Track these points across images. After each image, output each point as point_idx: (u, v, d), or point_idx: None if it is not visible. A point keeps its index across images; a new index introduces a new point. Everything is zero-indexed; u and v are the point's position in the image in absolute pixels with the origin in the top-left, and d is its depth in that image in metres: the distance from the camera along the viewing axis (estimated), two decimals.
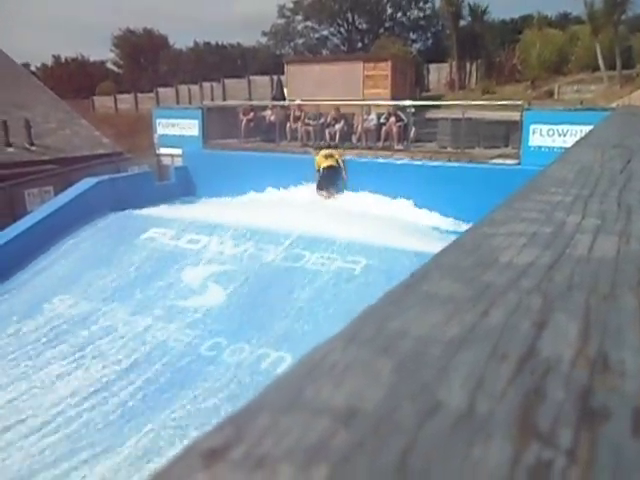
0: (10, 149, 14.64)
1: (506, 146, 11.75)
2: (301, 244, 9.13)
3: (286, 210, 10.53)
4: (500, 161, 10.96)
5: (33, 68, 40.29)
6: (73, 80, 41.70)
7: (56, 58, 46.88)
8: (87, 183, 11.96)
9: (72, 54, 48.04)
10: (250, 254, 9.34)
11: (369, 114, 13.18)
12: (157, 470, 0.29)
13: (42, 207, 11.73)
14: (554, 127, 10.32)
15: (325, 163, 11.83)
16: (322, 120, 13.41)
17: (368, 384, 0.35)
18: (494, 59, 29.04)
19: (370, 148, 12.66)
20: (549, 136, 10.37)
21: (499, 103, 13.57)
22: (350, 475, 0.29)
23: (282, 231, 9.46)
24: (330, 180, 11.84)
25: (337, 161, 11.91)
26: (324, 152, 12.04)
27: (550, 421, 0.31)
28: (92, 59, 48.39)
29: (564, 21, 33.09)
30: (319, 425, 0.32)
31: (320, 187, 11.93)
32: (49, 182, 13.31)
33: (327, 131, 13.20)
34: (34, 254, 10.40)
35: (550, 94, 24.00)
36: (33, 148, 15.11)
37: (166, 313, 8.36)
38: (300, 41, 42.31)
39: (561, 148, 9.26)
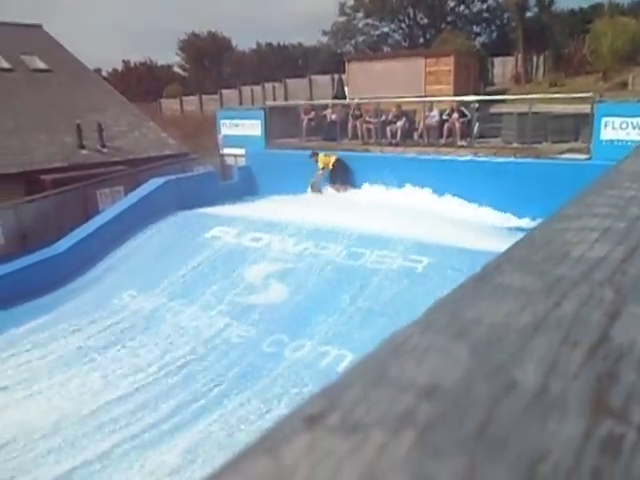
0: (84, 151, 15.35)
1: (576, 140, 11.31)
2: (361, 242, 9.13)
3: (346, 208, 10.57)
4: (569, 156, 10.57)
5: (104, 73, 42.01)
6: (142, 84, 43.24)
7: (126, 63, 48.72)
8: (155, 183, 12.40)
9: (141, 59, 49.87)
10: (311, 252, 9.42)
11: (431, 110, 13.00)
12: (266, 430, 0.33)
13: (113, 206, 12.26)
14: (628, 120, 9.86)
15: (332, 160, 12.65)
16: (383, 118, 13.34)
17: (446, 364, 0.39)
18: (562, 51, 27.99)
19: (432, 145, 12.49)
20: (622, 129, 9.91)
21: (568, 96, 13.08)
22: (435, 440, 0.32)
23: (342, 229, 9.49)
24: (340, 175, 12.60)
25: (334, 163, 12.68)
26: (323, 154, 12.84)
27: (622, 400, 0.33)
28: (159, 63, 50.02)
29: (638, 8, 31.49)
30: (404, 398, 0.36)
31: (334, 182, 12.66)
32: (119, 182, 13.87)
33: (388, 128, 13.13)
34: (105, 251, 10.88)
35: (624, 85, 22.89)
36: (105, 150, 15.79)
37: (229, 310, 8.56)
38: (361, 39, 42.17)
39: (635, 142, 8.84)
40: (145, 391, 6.91)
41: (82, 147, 15.35)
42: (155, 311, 8.90)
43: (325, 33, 43.37)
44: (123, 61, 48.95)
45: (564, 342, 0.40)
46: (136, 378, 7.19)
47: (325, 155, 12.74)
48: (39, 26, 20.44)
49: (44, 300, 9.52)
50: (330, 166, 12.61)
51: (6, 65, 17.30)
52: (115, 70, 48.43)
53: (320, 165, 12.67)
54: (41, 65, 18.13)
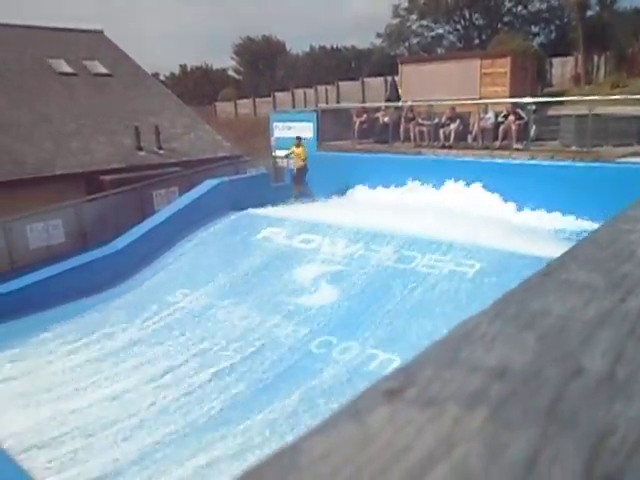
0: (141, 153, 15.81)
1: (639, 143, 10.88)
2: (412, 245, 9.05)
3: (398, 211, 10.48)
4: (633, 160, 10.16)
5: (162, 77, 43.22)
6: (198, 87, 44.23)
7: (182, 67, 49.95)
8: (209, 184, 12.66)
9: (197, 63, 51.00)
10: (361, 254, 9.40)
11: (486, 112, 12.75)
12: (349, 400, 0.38)
13: (168, 206, 12.58)
14: None
15: (302, 157, 13.30)
16: (436, 120, 13.19)
17: (515, 350, 0.42)
18: (625, 50, 26.90)
19: (487, 148, 12.25)
20: None
21: (631, 97, 12.56)
22: (508, 415, 0.35)
23: (393, 232, 9.43)
24: (301, 178, 13.31)
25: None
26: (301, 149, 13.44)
27: None
28: (215, 67, 51.05)
29: None
30: (476, 378, 0.39)
31: (295, 182, 13.45)
32: (175, 183, 14.21)
33: (441, 131, 12.96)
34: (161, 249, 11.18)
35: None
36: (161, 152, 16.22)
37: (279, 310, 8.64)
38: (415, 40, 41.82)
39: None
40: (194, 385, 7.04)
41: (140, 149, 15.81)
42: (206, 309, 9.07)
43: (379, 35, 43.21)
44: (180, 65, 50.20)
45: (630, 335, 0.42)
46: (185, 373, 7.34)
47: (303, 149, 13.24)
48: (100, 32, 21.21)
49: (103, 295, 9.85)
50: (299, 161, 13.13)
51: (69, 70, 18.02)
52: (172, 74, 49.72)
53: (294, 150, 13.21)
54: (102, 70, 18.80)
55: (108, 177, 14.12)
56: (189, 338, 8.25)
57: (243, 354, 7.66)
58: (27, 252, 11.41)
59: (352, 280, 8.83)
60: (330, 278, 9.05)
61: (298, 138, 13.25)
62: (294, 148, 13.21)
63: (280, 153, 14.78)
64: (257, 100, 32.29)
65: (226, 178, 13.20)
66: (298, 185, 13.24)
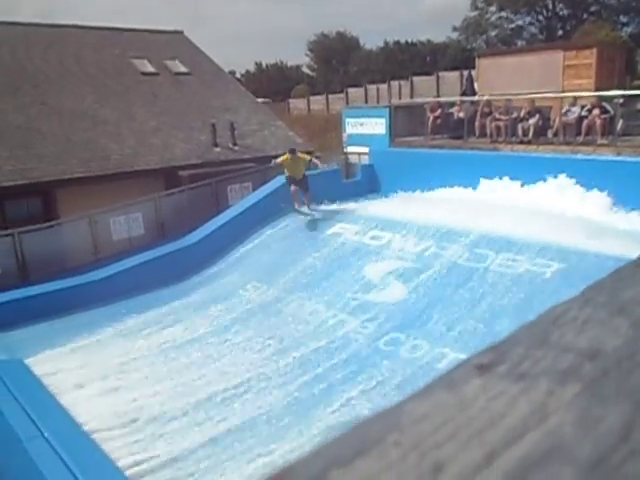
0: (217, 149, 16.27)
1: None
2: (485, 244, 8.81)
3: (470, 208, 10.23)
4: None
5: (238, 75, 44.22)
6: (272, 84, 44.94)
7: (258, 65, 50.89)
8: (281, 180, 12.82)
9: (272, 60, 51.78)
10: (432, 252, 9.26)
11: (574, 105, 12.19)
12: (441, 374, 0.40)
13: (242, 201, 12.88)
14: None
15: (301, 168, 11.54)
16: (514, 115, 12.75)
17: (607, 334, 0.43)
18: None
19: (569, 143, 11.72)
20: None
21: None
22: (601, 392, 0.37)
23: (466, 230, 9.22)
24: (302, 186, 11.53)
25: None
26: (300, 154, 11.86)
27: None
28: (289, 64, 51.66)
29: None
30: (567, 358, 0.40)
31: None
32: (248, 178, 14.54)
33: (520, 126, 12.52)
34: (234, 243, 11.47)
35: None
36: (236, 148, 16.62)
37: (348, 305, 8.66)
38: (493, 33, 40.62)
39: None
40: (258, 378, 7.18)
41: (216, 145, 16.26)
42: (276, 302, 9.23)
43: (455, 29, 42.29)
44: (255, 63, 51.18)
45: None
46: (252, 365, 7.50)
47: (300, 155, 11.67)
48: (181, 32, 21.94)
49: (178, 287, 10.23)
50: (296, 171, 11.31)
51: (152, 69, 18.78)
52: (248, 72, 50.77)
53: (287, 161, 11.33)
54: (182, 69, 19.46)
55: (186, 172, 14.62)
56: (258, 331, 8.42)
57: (311, 348, 7.73)
58: (110, 243, 12.03)
59: (422, 278, 8.72)
60: (400, 275, 8.97)
61: (292, 151, 11.49)
62: (288, 158, 11.35)
63: (352, 149, 14.78)
64: (330, 96, 32.40)
65: None
66: (296, 199, 11.39)
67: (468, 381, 0.39)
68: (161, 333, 8.68)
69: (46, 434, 5.90)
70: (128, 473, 5.41)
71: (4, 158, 13.21)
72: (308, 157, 11.85)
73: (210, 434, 6.17)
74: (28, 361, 7.78)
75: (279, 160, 11.45)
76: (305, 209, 11.57)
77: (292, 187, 11.38)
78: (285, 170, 11.46)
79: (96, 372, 7.63)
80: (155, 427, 6.33)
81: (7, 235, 10.81)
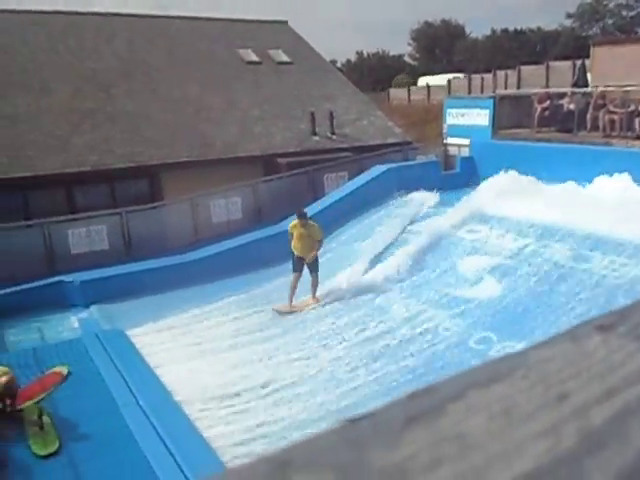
0: (315, 137, 16.42)
1: None
2: (592, 244, 8.28)
3: (577, 206, 9.62)
4: None
5: (339, 64, 44.35)
6: (373, 73, 44.72)
7: (359, 54, 50.78)
8: (377, 170, 12.76)
9: (374, 50, 51.45)
10: (532, 250, 8.83)
11: None
12: (561, 332, 0.43)
13: (337, 190, 12.93)
14: None
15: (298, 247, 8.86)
16: (632, 108, 11.84)
17: None
18: None
19: None
20: None
21: None
22: None
23: (570, 228, 8.70)
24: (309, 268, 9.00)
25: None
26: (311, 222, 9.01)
27: None
28: (391, 53, 51.10)
29: None
30: None
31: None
32: (345, 168, 14.57)
33: (637, 120, 11.62)
34: (328, 231, 11.51)
35: None
36: (334, 137, 16.69)
37: (439, 300, 8.46)
38: (610, 21, 37.99)
39: None
40: (340, 371, 7.19)
41: (314, 134, 16.42)
42: (365, 293, 9.16)
43: (569, 16, 39.96)
44: (357, 52, 51.10)
45: None
46: (334, 354, 7.52)
47: (312, 224, 8.91)
48: (285, 22, 22.29)
49: (270, 271, 10.44)
50: (306, 246, 8.81)
51: (256, 59, 19.24)
52: (349, 61, 50.79)
53: (297, 232, 8.86)
54: (284, 58, 19.78)
55: (284, 160, 14.89)
56: (347, 322, 8.41)
57: (398, 340, 7.64)
58: (210, 226, 12.51)
59: (519, 276, 8.34)
60: (495, 271, 8.64)
61: (301, 215, 8.92)
62: (298, 225, 8.89)
63: (452, 140, 14.39)
64: (431, 86, 31.69)
65: (394, 164, 13.19)
66: (293, 293, 8.87)
67: (590, 337, 0.42)
68: (251, 315, 8.91)
69: (141, 402, 6.26)
70: (214, 445, 5.61)
71: (116, 142, 14.08)
72: (319, 231, 8.90)
73: (298, 412, 6.26)
74: (129, 332, 8.28)
75: (290, 228, 9.01)
76: (305, 303, 8.92)
77: (293, 274, 8.86)
78: (292, 246, 8.84)
79: (188, 348, 7.98)
80: (241, 403, 6.53)
81: (116, 214, 11.55)
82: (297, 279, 8.86)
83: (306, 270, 8.93)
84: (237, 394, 6.73)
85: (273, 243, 11.09)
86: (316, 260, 8.92)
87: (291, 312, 8.72)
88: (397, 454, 0.32)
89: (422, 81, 29.86)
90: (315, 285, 8.93)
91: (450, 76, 27.41)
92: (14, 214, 11.56)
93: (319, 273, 8.92)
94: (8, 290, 9.32)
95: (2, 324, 8.81)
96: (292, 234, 8.90)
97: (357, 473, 0.31)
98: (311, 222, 8.89)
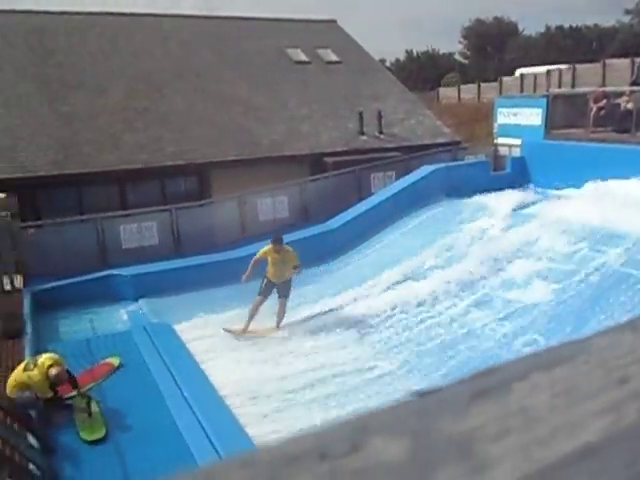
0: (363, 137, 16.35)
1: None
2: None
3: (633, 210, 9.25)
4: None
5: (388, 64, 44.05)
6: (422, 72, 44.21)
7: (409, 53, 50.27)
8: (425, 170, 12.62)
9: (423, 48, 50.85)
10: (584, 254, 8.55)
11: None
12: (622, 323, 0.46)
13: (384, 190, 12.84)
14: None
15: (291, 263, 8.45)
16: None
17: None
18: None
19: None
20: None
21: None
22: None
23: (627, 233, 8.37)
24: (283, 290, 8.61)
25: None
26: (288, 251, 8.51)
27: None
28: (441, 52, 50.40)
29: None
30: None
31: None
32: (392, 167, 14.47)
33: None
34: (373, 231, 11.48)
35: None
36: (382, 136, 16.58)
37: (485, 301, 8.31)
38: None
39: None
40: (379, 370, 7.13)
41: (362, 133, 16.35)
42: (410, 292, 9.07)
43: (627, 12, 38.52)
44: (406, 51, 50.61)
45: None
46: (377, 351, 7.46)
47: (287, 248, 8.47)
48: (334, 21, 22.29)
49: (314, 270, 10.47)
50: (280, 273, 8.40)
51: (304, 58, 19.31)
52: (398, 60, 50.38)
53: (270, 257, 8.44)
54: (333, 57, 19.78)
55: (331, 159, 14.89)
56: (391, 323, 8.35)
57: (439, 340, 7.53)
58: (257, 223, 12.63)
59: (570, 281, 8.07)
60: (544, 275, 8.39)
61: (276, 241, 8.45)
62: (271, 251, 8.43)
63: (502, 140, 14.08)
64: (482, 85, 31.11)
65: (443, 164, 13.02)
66: (252, 315, 8.40)
67: None
68: (297, 311, 8.92)
69: (185, 394, 6.37)
70: (256, 442, 5.65)
71: (167, 140, 14.39)
72: (297, 261, 8.47)
73: (341, 412, 6.24)
74: (175, 326, 8.44)
75: (258, 255, 8.53)
76: (264, 331, 8.42)
77: (258, 297, 8.40)
78: (267, 270, 8.45)
79: (232, 343, 8.07)
80: (284, 401, 6.56)
81: (165, 210, 11.80)
82: (260, 303, 8.41)
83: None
84: (283, 391, 6.75)
85: (318, 242, 11.13)
86: (288, 284, 8.50)
87: (243, 335, 8.27)
88: (465, 424, 0.34)
89: (517, 72, 29.26)
90: (281, 313, 8.46)
91: (552, 67, 26.55)
92: (69, 209, 11.98)
93: (288, 300, 8.49)
94: (62, 282, 9.66)
95: (56, 315, 9.15)
96: (265, 259, 8.47)
97: (429, 439, 0.33)
98: (286, 247, 8.47)
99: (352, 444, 0.33)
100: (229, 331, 8.31)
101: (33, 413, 5.91)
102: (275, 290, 8.47)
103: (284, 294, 8.46)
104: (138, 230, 11.42)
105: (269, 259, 8.41)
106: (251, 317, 8.32)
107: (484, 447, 0.33)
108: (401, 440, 0.33)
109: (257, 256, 8.49)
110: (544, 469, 0.31)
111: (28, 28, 16.99)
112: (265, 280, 8.44)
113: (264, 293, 8.43)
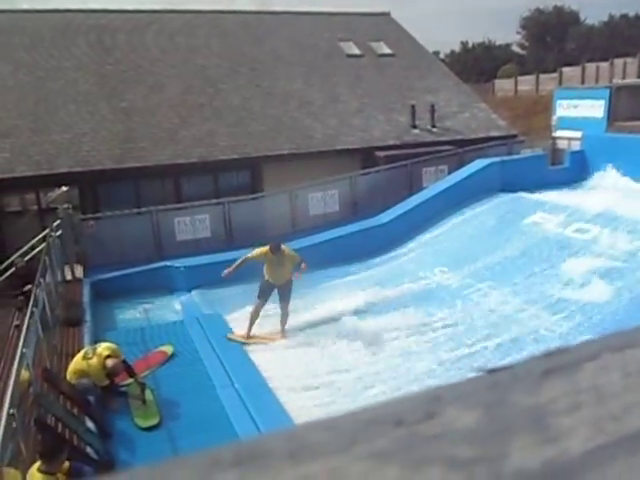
0: (415, 131, 16.13)
1: None
2: None
3: None
4: None
5: (442, 55, 43.24)
6: (477, 64, 43.21)
7: (464, 44, 49.20)
8: (479, 164, 12.34)
9: (480, 39, 49.67)
10: None
11: None
12: None
13: (436, 184, 12.64)
14: None
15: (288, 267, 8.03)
16: None
17: None
18: None
19: None
20: None
21: None
22: None
23: None
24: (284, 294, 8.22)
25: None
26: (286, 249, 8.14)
27: None
28: (498, 43, 49.09)
29: None
30: None
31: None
32: (445, 161, 14.22)
33: None
34: (424, 226, 11.34)
35: None
36: (434, 130, 16.31)
37: (541, 300, 8.06)
38: None
39: None
40: (429, 365, 7.04)
41: (414, 127, 16.13)
42: (461, 289, 8.93)
43: None
44: (461, 42, 49.55)
45: None
46: (427, 349, 7.36)
47: (287, 252, 8.07)
48: (387, 14, 22.03)
49: (362, 265, 10.42)
50: (280, 275, 8.01)
51: (357, 52, 19.18)
52: (452, 52, 49.40)
53: (267, 259, 8.03)
54: (386, 50, 19.57)
55: (382, 153, 14.76)
56: (442, 316, 8.23)
57: (493, 340, 7.36)
58: (307, 217, 12.69)
59: (631, 280, 7.74)
60: (604, 274, 8.07)
61: (272, 248, 7.94)
62: (267, 254, 7.99)
63: (561, 133, 13.60)
64: (541, 76, 30.15)
65: (497, 159, 12.69)
66: (252, 321, 8.06)
67: None
68: (345, 305, 8.88)
69: (236, 385, 6.47)
70: None
71: (221, 134, 14.61)
72: (298, 258, 8.09)
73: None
74: (227, 317, 8.57)
75: (252, 255, 8.15)
76: (269, 337, 8.12)
77: (258, 300, 8.07)
78: (264, 272, 8.10)
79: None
80: (334, 395, 6.56)
81: (218, 204, 12.00)
82: (261, 307, 8.07)
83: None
84: (331, 384, 6.76)
85: (368, 237, 11.08)
86: (289, 285, 8.09)
87: (247, 342, 7.91)
88: (537, 398, 0.35)
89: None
90: (285, 317, 8.10)
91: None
92: (126, 202, 12.34)
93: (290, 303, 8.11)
94: (118, 273, 9.97)
95: (113, 304, 9.46)
96: (256, 261, 8.10)
97: (502, 410, 0.34)
98: (285, 250, 8.03)
99: (427, 412, 0.34)
100: (233, 340, 7.96)
101: (92, 399, 6.13)
102: (276, 293, 8.15)
103: (285, 297, 8.10)
104: (192, 223, 11.67)
105: (265, 261, 8.06)
106: (252, 322, 8.03)
107: (557, 419, 0.33)
108: (475, 410, 0.34)
109: (249, 255, 8.13)
110: (618, 441, 0.32)
111: (88, 27, 17.57)
112: (264, 282, 8.12)
113: (263, 296, 8.10)
